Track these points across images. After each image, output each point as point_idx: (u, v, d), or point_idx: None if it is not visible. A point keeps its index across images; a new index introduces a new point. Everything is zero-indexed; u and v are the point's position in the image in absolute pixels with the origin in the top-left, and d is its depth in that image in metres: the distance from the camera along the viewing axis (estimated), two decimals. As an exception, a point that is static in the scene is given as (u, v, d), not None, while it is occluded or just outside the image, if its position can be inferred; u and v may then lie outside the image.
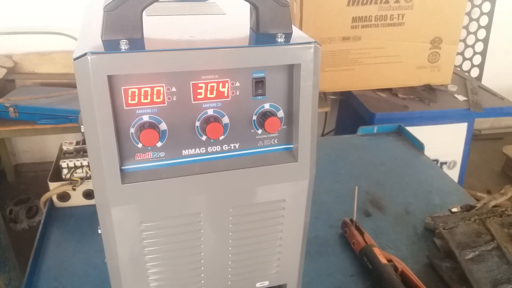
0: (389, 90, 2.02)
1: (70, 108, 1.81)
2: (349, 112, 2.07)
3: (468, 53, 2.70)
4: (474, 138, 2.10)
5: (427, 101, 1.92)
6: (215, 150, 0.58)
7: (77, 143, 1.12)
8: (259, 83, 0.56)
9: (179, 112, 0.55)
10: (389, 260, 0.87)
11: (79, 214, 1.04)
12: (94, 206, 1.05)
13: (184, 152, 0.57)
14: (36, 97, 1.88)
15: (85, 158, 1.05)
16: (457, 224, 0.91)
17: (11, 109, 1.83)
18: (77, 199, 1.05)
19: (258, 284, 0.69)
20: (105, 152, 0.53)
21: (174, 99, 0.54)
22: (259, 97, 0.57)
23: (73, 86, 2.09)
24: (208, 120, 0.55)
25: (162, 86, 0.53)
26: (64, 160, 1.04)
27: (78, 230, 1.00)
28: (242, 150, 0.59)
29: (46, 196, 1.04)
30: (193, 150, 0.57)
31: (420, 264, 0.91)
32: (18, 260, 1.33)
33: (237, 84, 0.55)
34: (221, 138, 0.57)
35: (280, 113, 0.58)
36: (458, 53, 2.61)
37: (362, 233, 0.93)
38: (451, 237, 0.89)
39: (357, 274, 0.88)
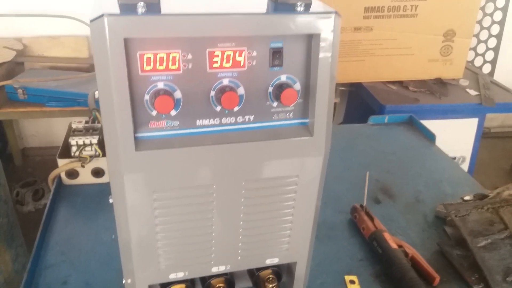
0: (400, 83, 2.00)
1: (79, 91, 1.81)
2: (359, 104, 2.06)
3: (481, 48, 2.67)
4: (483, 136, 2.07)
5: (438, 95, 1.90)
6: (229, 121, 0.57)
7: (86, 122, 1.12)
8: (277, 53, 0.55)
9: (194, 81, 0.54)
10: (399, 246, 0.86)
11: (87, 192, 1.04)
12: (102, 184, 1.06)
13: (198, 122, 0.56)
14: (45, 80, 1.87)
15: (94, 136, 1.04)
16: (469, 212, 0.90)
17: (20, 91, 1.83)
18: (85, 176, 1.05)
19: (268, 261, 0.69)
20: (119, 118, 0.52)
21: (190, 66, 0.53)
22: (276, 68, 0.56)
23: (82, 70, 2.09)
24: (223, 90, 0.54)
25: (178, 53, 0.52)
26: (74, 138, 1.04)
27: (86, 207, 0.99)
28: (256, 123, 0.58)
29: (54, 172, 1.04)
30: (207, 120, 0.56)
31: (430, 252, 0.90)
32: (24, 241, 1.33)
33: (254, 53, 0.54)
34: (235, 109, 0.56)
35: (297, 86, 0.57)
36: (470, 49, 2.58)
37: (372, 219, 0.92)
38: (463, 225, 0.87)
39: (366, 259, 0.87)
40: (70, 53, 2.18)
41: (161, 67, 0.52)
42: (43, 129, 2.65)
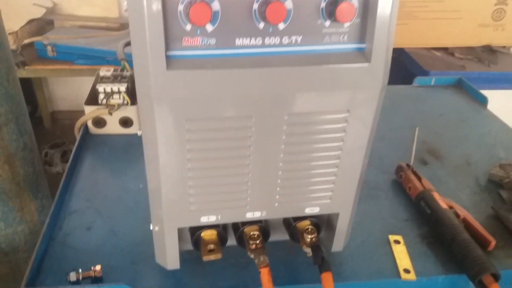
0: (445, 49, 1.87)
1: (108, 49, 1.77)
2: (399, 71, 1.94)
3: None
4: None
5: (487, 62, 1.77)
6: (273, 42, 0.50)
7: (115, 70, 1.06)
8: (333, -39, 0.47)
9: (235, -9, 0.46)
10: (450, 207, 0.78)
11: (115, 143, 0.99)
12: (130, 135, 1.01)
13: (238, 42, 0.49)
14: (74, 37, 1.84)
15: (122, 84, 0.99)
16: (530, 174, 0.81)
17: (49, 48, 1.80)
18: (113, 126, 1.00)
19: (307, 210, 0.62)
20: (150, 32, 0.46)
21: (231, -27, 0.46)
22: (331, -21, 0.48)
23: (111, 30, 2.05)
24: (268, 0, 0.46)
25: (219, -45, 0.45)
26: (101, 85, 0.99)
27: (113, 157, 0.95)
28: (304, 45, 0.50)
29: (81, 120, 1.00)
30: (248, 40, 0.49)
31: (483, 215, 0.81)
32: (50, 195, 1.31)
33: (307, -40, 0.47)
34: (281, 27, 0.49)
35: (355, 1, 0.49)
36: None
37: (419, 178, 0.84)
38: (524, 187, 0.78)
39: (412, 220, 0.80)
40: (100, 12, 2.13)
41: (198, -28, 0.45)
42: (72, 92, 2.64)
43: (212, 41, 0.48)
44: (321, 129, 0.55)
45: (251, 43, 0.49)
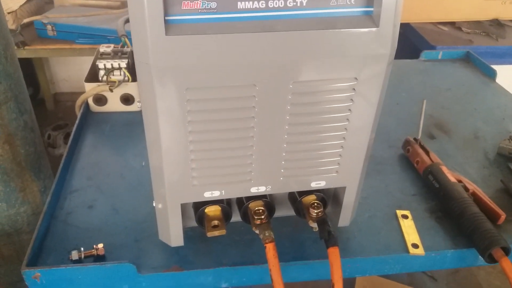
0: (452, 24, 1.83)
1: (109, 27, 1.73)
2: (406, 46, 1.90)
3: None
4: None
5: (495, 36, 1.72)
6: (277, 6, 0.47)
7: (115, 46, 1.04)
8: None
9: (237, -49, 0.44)
10: (459, 181, 0.76)
11: (116, 120, 0.98)
12: (131, 113, 0.99)
13: (240, 5, 0.46)
14: (74, 15, 1.80)
15: (123, 60, 0.97)
16: (543, 146, 0.78)
17: (49, 27, 1.77)
18: (114, 103, 0.98)
19: (313, 184, 0.60)
20: (147, -5, 0.43)
21: None
22: None
23: (112, 8, 2.01)
24: (272, -39, 0.44)
25: None
26: (101, 61, 0.97)
27: (114, 135, 0.93)
28: (310, 9, 0.48)
29: (82, 98, 0.98)
30: (251, 3, 0.46)
31: (492, 189, 0.79)
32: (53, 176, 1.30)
33: None
34: (285, -11, 0.46)
35: (362, -39, 0.46)
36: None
37: (427, 152, 0.82)
38: (536, 159, 0.76)
39: (420, 194, 0.78)
40: (100, -9, 2.09)
41: None
42: (74, 73, 2.62)
43: (213, 4, 0.46)
44: (327, 99, 0.53)
45: (254, 7, 0.47)
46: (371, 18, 0.49)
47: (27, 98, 1.11)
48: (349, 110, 0.54)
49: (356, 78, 0.51)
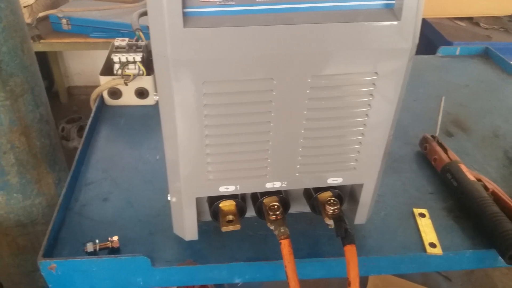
0: (469, 19, 1.79)
1: (123, 21, 1.74)
2: (422, 42, 1.87)
3: None
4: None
5: (513, 33, 1.69)
6: (297, -2, 0.46)
7: (130, 40, 1.04)
8: None
9: None
10: (478, 180, 0.74)
11: (131, 114, 0.98)
12: (146, 107, 0.99)
13: (259, -2, 0.46)
14: (89, 9, 1.81)
15: (138, 54, 0.97)
16: None
17: (64, 21, 1.78)
18: (129, 97, 0.98)
19: (330, 180, 0.59)
20: (165, -12, 0.43)
21: None
22: None
23: (126, 2, 2.01)
24: (293, -48, 0.43)
25: None
26: (116, 54, 0.97)
27: (129, 128, 0.93)
28: (330, 2, 0.47)
29: (96, 91, 0.98)
30: (271, -5, 0.46)
31: (512, 189, 0.78)
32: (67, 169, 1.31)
33: None
34: (306, -19, 0.45)
35: (385, -48, 0.45)
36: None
37: (445, 150, 0.81)
38: (558, 158, 0.74)
39: (437, 192, 0.76)
40: (114, -15, 2.09)
41: None
42: (88, 67, 2.63)
43: (232, -3, 0.45)
44: (347, 93, 0.52)
45: None
46: (392, 11, 0.48)
47: (43, 90, 1.11)
48: (369, 105, 0.53)
49: (376, 73, 0.50)
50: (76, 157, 0.81)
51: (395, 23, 0.47)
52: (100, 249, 0.64)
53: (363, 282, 1.40)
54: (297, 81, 0.49)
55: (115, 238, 0.65)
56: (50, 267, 0.60)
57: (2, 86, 0.98)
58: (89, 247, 0.63)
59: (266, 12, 0.46)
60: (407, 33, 0.48)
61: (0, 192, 1.07)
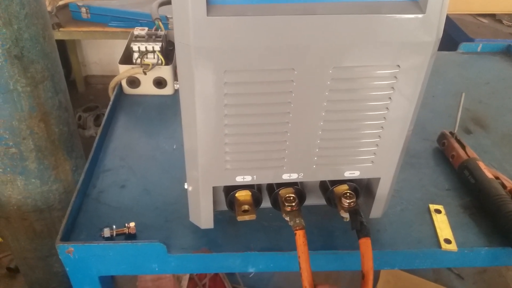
0: (492, 16, 1.76)
1: (141, 11, 1.75)
2: (443, 39, 1.85)
3: None
4: None
5: (536, 30, 1.66)
6: (321, -11, 0.46)
7: (149, 29, 1.04)
8: None
9: None
10: (496, 177, 0.73)
11: (149, 103, 0.98)
12: (164, 96, 1.00)
13: (283, -13, 0.45)
14: (108, -1, 1.83)
15: (157, 43, 0.97)
16: None
17: (83, 9, 1.80)
18: (147, 86, 0.99)
19: (347, 173, 0.59)
20: (189, -25, 0.43)
21: None
22: None
23: (146, -8, 2.02)
24: None
25: None
26: (136, 43, 0.97)
27: (147, 117, 0.94)
28: (354, -7, 0.47)
29: (115, 79, 0.99)
30: (294, -15, 0.46)
31: (532, 188, 0.76)
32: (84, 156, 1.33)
33: None
34: (330, -28, 0.45)
35: None
36: None
37: (463, 147, 0.80)
38: None
39: (454, 189, 0.76)
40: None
41: None
42: (105, 56, 2.66)
43: (255, -14, 0.45)
44: (367, 86, 0.51)
45: (296, -10, 0.46)
46: (417, 4, 0.47)
47: (62, 78, 1.13)
48: (389, 98, 0.52)
49: (398, 66, 0.50)
50: (94, 144, 0.82)
51: (420, 16, 0.47)
52: (116, 235, 0.65)
53: (375, 277, 1.40)
54: (318, 72, 0.49)
55: (132, 224, 0.66)
56: (67, 251, 0.61)
57: (23, 73, 0.99)
58: (106, 232, 0.64)
59: (289, 2, 0.46)
60: (431, 27, 0.48)
61: (19, 177, 1.09)
